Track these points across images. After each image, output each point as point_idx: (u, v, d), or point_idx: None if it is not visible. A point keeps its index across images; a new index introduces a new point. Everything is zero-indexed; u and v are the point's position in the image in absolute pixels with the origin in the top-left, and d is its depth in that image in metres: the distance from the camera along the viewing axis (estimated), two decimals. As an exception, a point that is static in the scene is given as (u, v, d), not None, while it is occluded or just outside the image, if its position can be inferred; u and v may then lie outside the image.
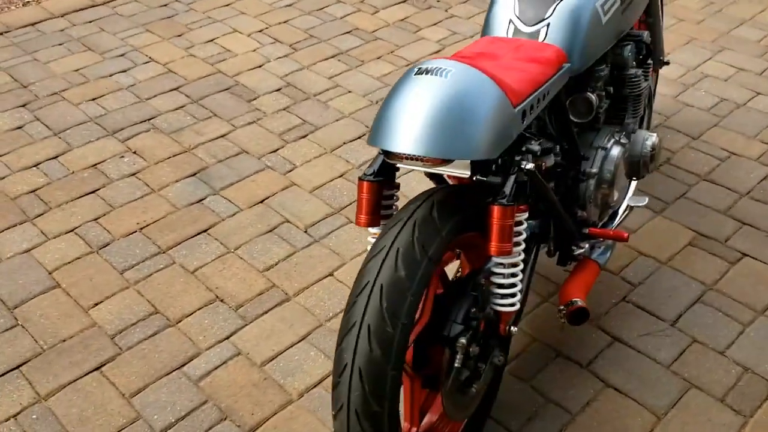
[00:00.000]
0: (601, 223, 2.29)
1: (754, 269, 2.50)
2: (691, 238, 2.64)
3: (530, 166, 1.65)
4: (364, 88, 3.53)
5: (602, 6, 1.96)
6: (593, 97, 2.02)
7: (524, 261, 1.75)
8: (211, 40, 3.94)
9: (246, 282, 2.48)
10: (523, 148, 1.70)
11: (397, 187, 1.73)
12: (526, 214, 1.70)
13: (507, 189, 1.61)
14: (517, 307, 1.74)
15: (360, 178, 1.66)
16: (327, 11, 4.21)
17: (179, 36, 3.98)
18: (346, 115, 3.34)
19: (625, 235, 2.11)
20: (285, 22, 4.11)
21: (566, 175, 2.08)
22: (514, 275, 1.70)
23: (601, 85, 2.06)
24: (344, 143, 3.17)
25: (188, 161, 3.06)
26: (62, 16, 4.16)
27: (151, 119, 3.32)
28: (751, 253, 2.56)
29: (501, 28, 1.97)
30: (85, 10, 4.22)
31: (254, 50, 3.85)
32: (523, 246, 1.71)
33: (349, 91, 3.51)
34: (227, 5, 4.29)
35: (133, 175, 2.99)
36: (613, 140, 2.14)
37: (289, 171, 3.02)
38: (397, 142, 1.49)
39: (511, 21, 1.96)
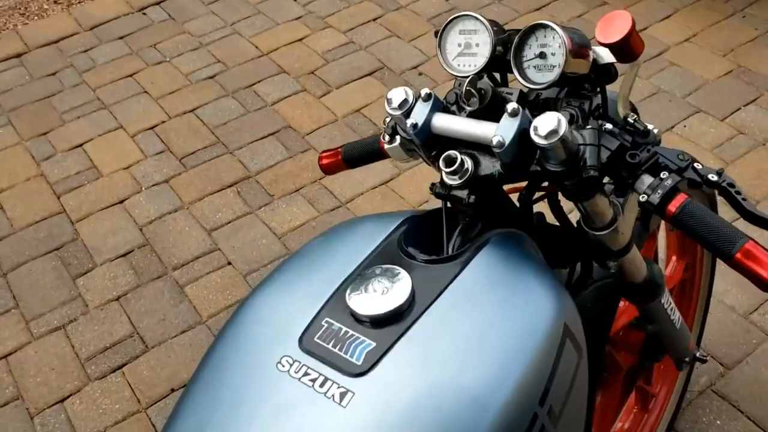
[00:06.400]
0: None
1: None
2: None
3: None
4: (255, 255, 2.29)
5: None
6: None
7: None
8: (80, 145, 2.79)
9: None
10: None
11: None
12: None
13: None
14: None
15: None
16: (257, 90, 2.95)
17: (43, 135, 2.85)
18: (202, 321, 2.13)
19: None
20: (193, 110, 2.88)
21: None
22: None
23: None
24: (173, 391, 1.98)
25: (-72, 418, 1.98)
26: None
27: (-76, 312, 2.25)
28: None
29: None
30: (-50, 82, 3.16)
31: (127, 167, 2.67)
32: None
33: (229, 263, 2.29)
34: (132, 75, 3.10)
35: None
36: None
37: (66, 453, 1.88)
38: None
39: None
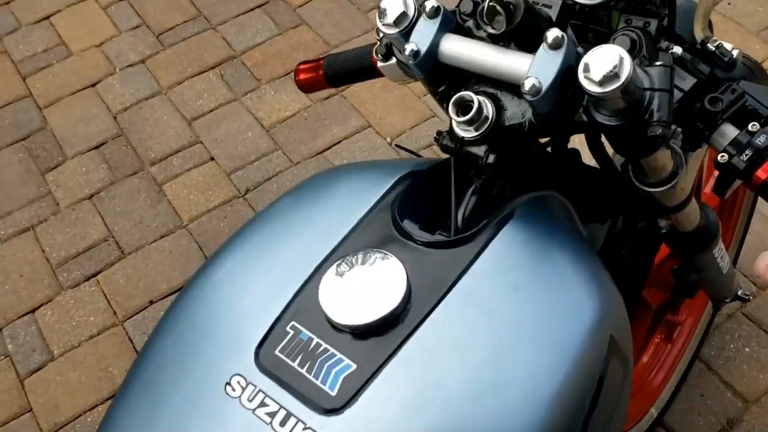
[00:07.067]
0: None
1: None
2: None
3: None
4: (241, 150, 2.07)
5: None
6: None
7: None
8: (47, 18, 2.49)
9: None
10: None
11: None
12: None
13: None
14: None
15: None
16: (244, -46, 2.61)
17: (5, 5, 2.55)
18: (182, 225, 1.94)
19: None
20: (171, -23, 2.56)
21: None
22: None
23: None
24: (152, 303, 1.81)
25: None
26: None
27: None
28: None
29: None
30: None
31: (99, 45, 2.39)
32: None
33: (212, 158, 2.07)
34: (103, -67, 2.75)
35: None
36: None
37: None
38: None
39: None
